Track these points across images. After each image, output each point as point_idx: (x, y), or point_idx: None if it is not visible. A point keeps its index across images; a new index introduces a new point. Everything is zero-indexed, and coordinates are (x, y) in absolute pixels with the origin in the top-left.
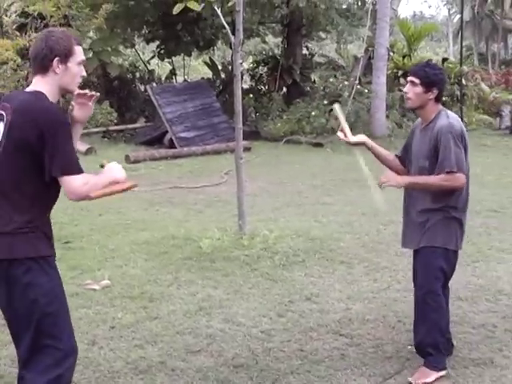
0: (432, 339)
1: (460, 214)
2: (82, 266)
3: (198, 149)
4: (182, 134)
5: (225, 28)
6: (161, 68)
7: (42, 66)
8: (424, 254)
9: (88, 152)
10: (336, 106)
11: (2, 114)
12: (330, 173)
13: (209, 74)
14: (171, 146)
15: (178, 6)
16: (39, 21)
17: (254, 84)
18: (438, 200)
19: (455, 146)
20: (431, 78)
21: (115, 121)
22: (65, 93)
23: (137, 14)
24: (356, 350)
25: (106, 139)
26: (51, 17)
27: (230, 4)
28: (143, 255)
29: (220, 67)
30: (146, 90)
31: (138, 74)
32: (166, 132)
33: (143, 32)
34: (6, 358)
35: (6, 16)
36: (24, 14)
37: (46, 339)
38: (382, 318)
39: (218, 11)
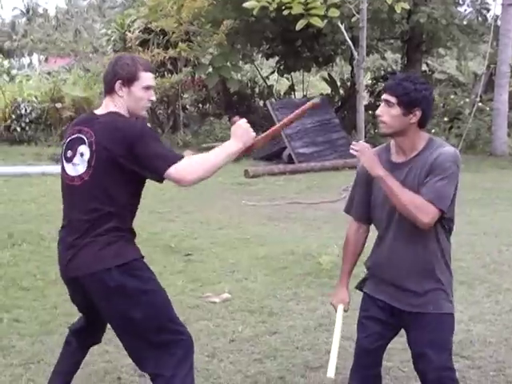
0: None
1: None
2: (203, 278)
3: (316, 164)
4: (301, 150)
5: (344, 44)
6: (279, 83)
7: (109, 88)
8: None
9: None
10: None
11: (81, 138)
12: None
13: (327, 89)
14: (290, 161)
15: (300, 22)
16: (161, 37)
17: (372, 100)
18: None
19: (452, 181)
20: (411, 95)
21: None
22: (133, 116)
23: (257, 30)
24: (477, 372)
25: None
26: (173, 33)
27: (353, 20)
28: (263, 270)
29: (338, 83)
30: (265, 106)
31: (257, 90)
32: (285, 147)
33: (262, 48)
34: (129, 366)
35: (130, 32)
36: (147, 30)
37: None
38: (505, 341)
39: (342, 27)
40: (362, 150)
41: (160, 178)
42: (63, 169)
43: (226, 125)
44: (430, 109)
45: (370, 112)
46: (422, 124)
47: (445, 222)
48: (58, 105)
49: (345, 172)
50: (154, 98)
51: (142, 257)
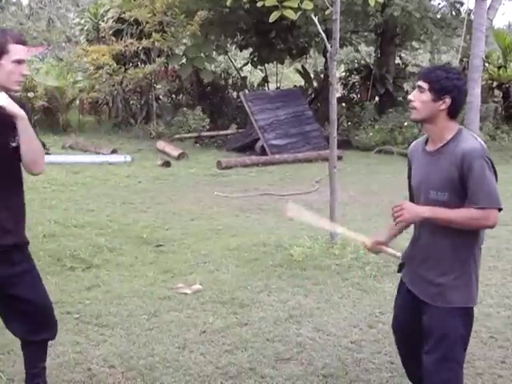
0: None
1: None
2: (174, 269)
3: (289, 156)
4: (274, 142)
5: (318, 36)
6: (252, 75)
7: None
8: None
9: (180, 157)
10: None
11: None
12: None
13: (300, 81)
14: (263, 153)
15: (274, 14)
16: (135, 27)
17: (346, 93)
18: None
19: (490, 176)
20: (442, 82)
21: (207, 127)
22: (5, 90)
23: (231, 21)
24: None
25: (197, 145)
26: (147, 23)
27: (327, 12)
28: (234, 261)
29: (312, 75)
30: (238, 97)
31: (230, 81)
32: (258, 139)
33: (236, 39)
34: (99, 358)
35: (103, 22)
36: (120, 19)
37: None
38: (474, 333)
39: (315, 19)
40: (400, 210)
41: None
42: None
43: (199, 116)
44: (460, 99)
45: (344, 104)
46: (452, 113)
47: None
48: (31, 94)
49: (318, 164)
50: (26, 72)
51: None
